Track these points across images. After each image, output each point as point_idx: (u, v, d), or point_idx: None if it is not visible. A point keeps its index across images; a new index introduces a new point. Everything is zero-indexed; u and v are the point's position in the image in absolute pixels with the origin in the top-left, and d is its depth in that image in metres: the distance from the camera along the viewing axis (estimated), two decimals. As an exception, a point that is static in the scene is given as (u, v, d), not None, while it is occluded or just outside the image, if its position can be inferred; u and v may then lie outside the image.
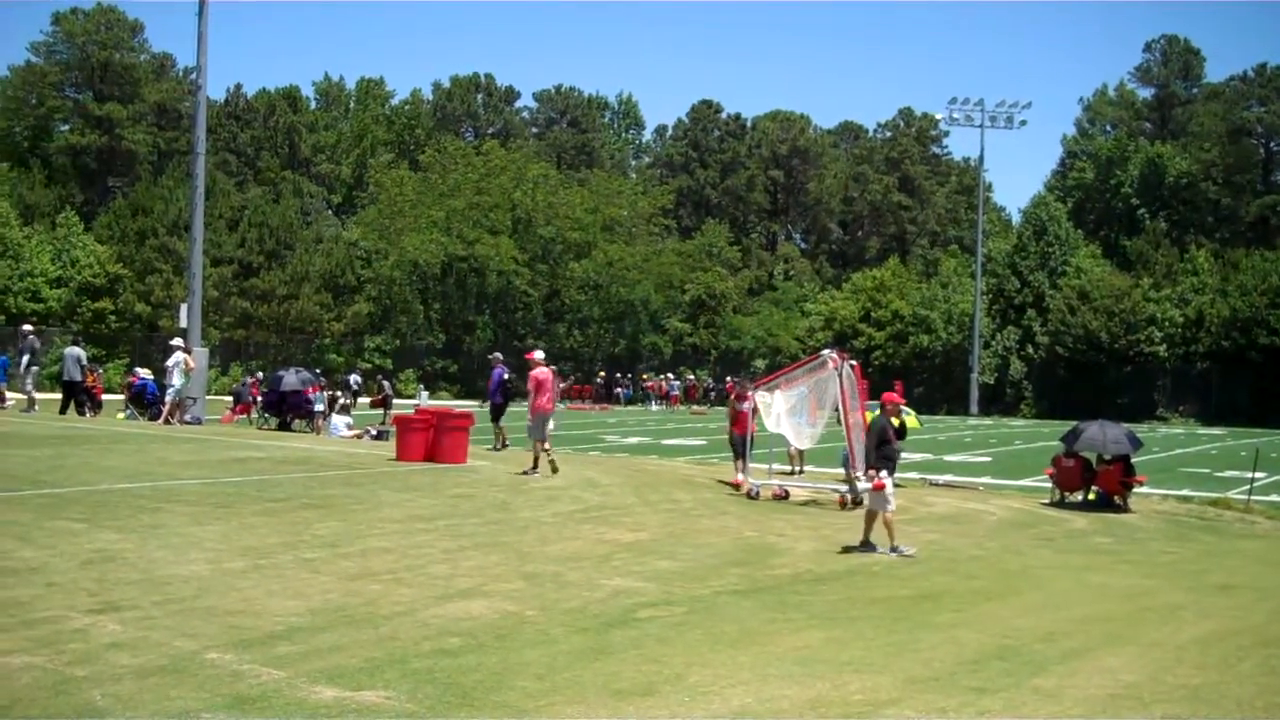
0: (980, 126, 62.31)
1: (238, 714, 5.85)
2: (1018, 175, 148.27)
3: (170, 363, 25.09)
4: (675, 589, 9.78)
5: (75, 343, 29.15)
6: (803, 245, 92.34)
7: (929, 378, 62.19)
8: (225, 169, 69.64)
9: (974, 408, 57.17)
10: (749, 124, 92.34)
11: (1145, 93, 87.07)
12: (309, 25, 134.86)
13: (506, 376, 22.82)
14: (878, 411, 13.59)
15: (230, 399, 33.15)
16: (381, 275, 59.83)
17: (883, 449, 12.63)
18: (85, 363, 27.79)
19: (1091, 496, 17.93)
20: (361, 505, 13.32)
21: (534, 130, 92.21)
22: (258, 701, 6.05)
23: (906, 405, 15.70)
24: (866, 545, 12.37)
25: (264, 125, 78.69)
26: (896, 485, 12.75)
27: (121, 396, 31.06)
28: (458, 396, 54.19)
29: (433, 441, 18.16)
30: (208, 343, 36.96)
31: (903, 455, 14.36)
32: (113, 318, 52.05)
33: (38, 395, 27.39)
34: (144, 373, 29.48)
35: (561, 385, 33.27)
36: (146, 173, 67.75)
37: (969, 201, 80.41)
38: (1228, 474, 24.13)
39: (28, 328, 29.46)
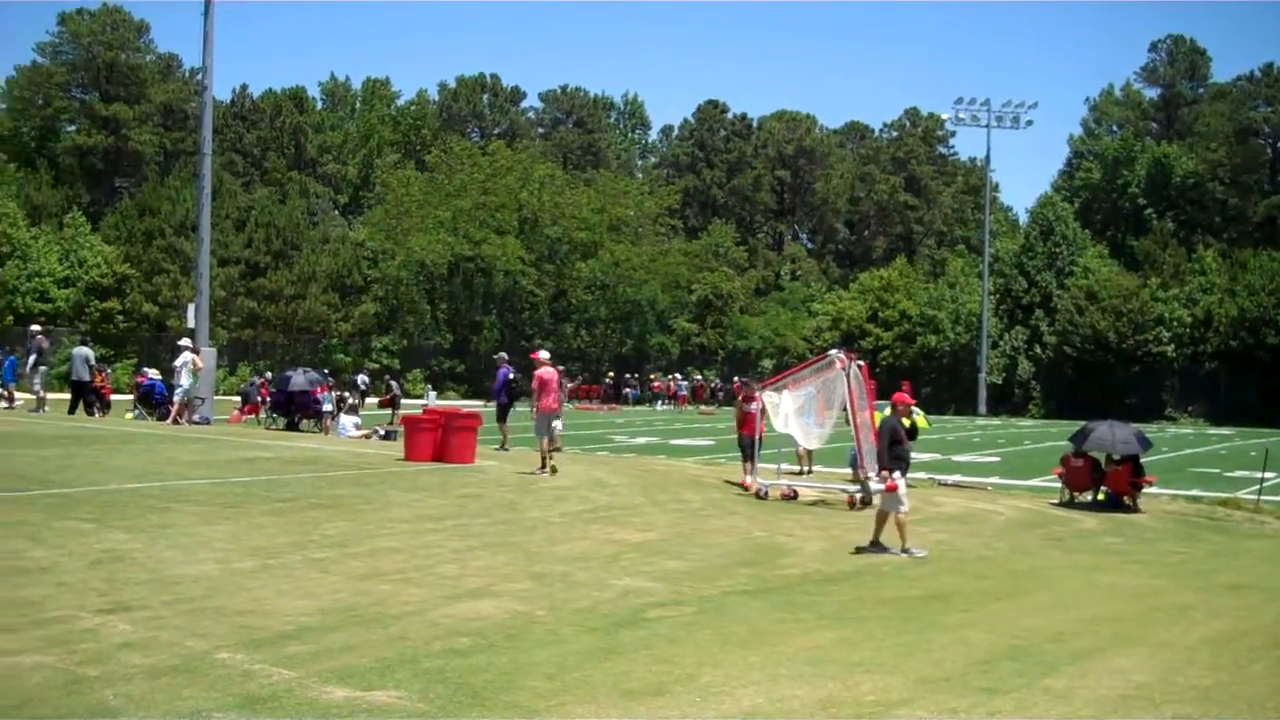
0: (986, 126, 62.29)
1: (249, 714, 5.86)
2: (1024, 175, 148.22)
3: (178, 363, 25.14)
4: (684, 589, 9.78)
5: (83, 343, 29.17)
6: (809, 245, 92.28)
7: (937, 378, 62.10)
8: (231, 169, 69.70)
9: (982, 408, 57.08)
10: (755, 124, 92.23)
11: (1151, 93, 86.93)
12: (314, 25, 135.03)
13: (512, 376, 22.86)
14: (887, 412, 13.57)
15: (238, 399, 33.19)
16: (388, 275, 59.83)
17: (894, 449, 12.59)
18: (93, 363, 27.84)
19: (1100, 497, 17.89)
20: (370, 505, 13.33)
21: (540, 130, 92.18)
22: (269, 701, 6.06)
23: (916, 405, 15.67)
24: (877, 545, 12.35)
25: (270, 126, 78.76)
26: (909, 486, 12.72)
27: (130, 396, 31.14)
28: (465, 396, 54.23)
29: (441, 441, 18.19)
30: (215, 343, 37.01)
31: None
32: (120, 318, 52.10)
33: (47, 395, 27.46)
34: (152, 373, 29.51)
35: (570, 385, 33.26)
36: (153, 173, 67.79)
37: (975, 201, 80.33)
38: (1237, 474, 24.04)
39: (36, 328, 29.56)
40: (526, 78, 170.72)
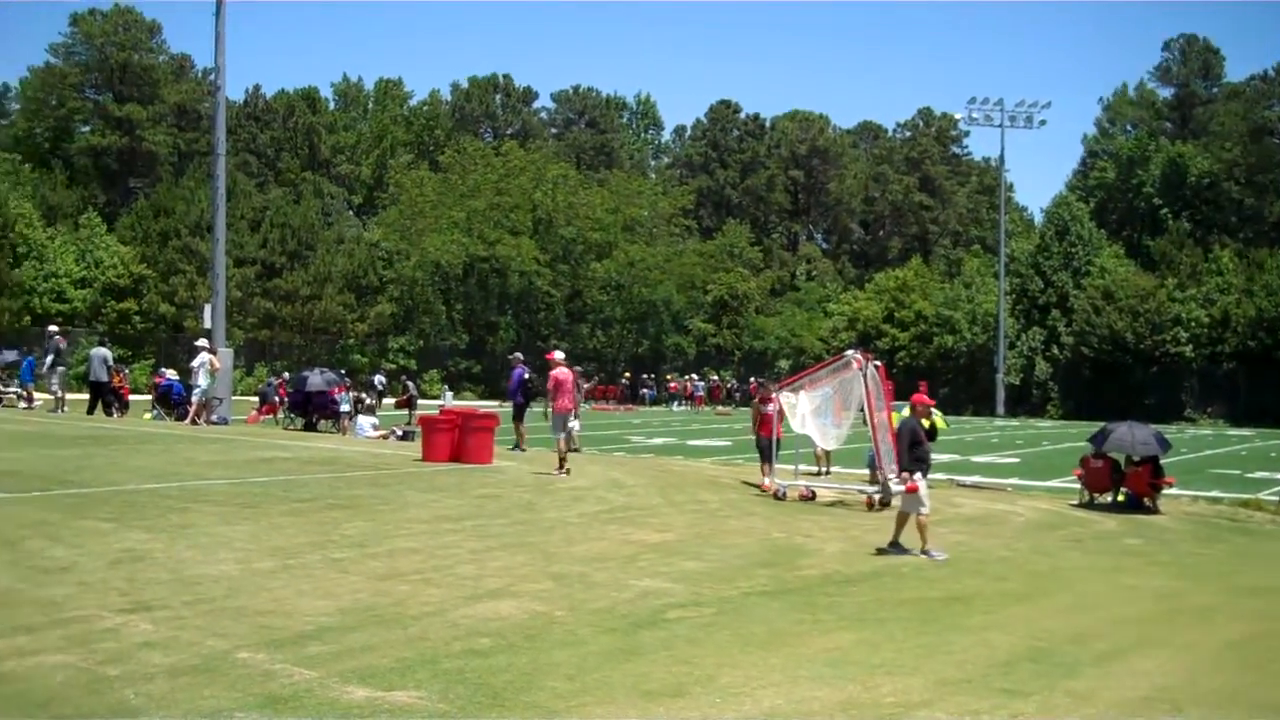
0: (1000, 126, 62.13)
1: (270, 713, 5.86)
2: (1039, 175, 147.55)
3: (196, 363, 25.22)
4: (703, 590, 9.75)
5: (102, 343, 29.32)
6: (824, 245, 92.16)
7: (954, 378, 61.92)
8: (245, 170, 69.89)
9: (1000, 408, 56.89)
10: (768, 124, 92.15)
11: (1165, 92, 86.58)
12: (327, 26, 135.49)
13: (527, 376, 22.87)
14: (905, 412, 13.51)
15: (256, 399, 33.30)
16: (403, 276, 59.96)
17: (915, 450, 12.53)
18: (111, 363, 27.97)
19: (1120, 498, 17.80)
20: (388, 505, 13.34)
21: (553, 131, 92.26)
22: (290, 701, 6.06)
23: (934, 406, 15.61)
24: (897, 546, 12.29)
25: (283, 126, 78.93)
26: (929, 487, 12.66)
27: (148, 397, 31.26)
28: (481, 397, 54.31)
29: (458, 442, 18.21)
30: (232, 343, 37.12)
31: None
32: (137, 318, 52.32)
33: (65, 395, 27.58)
34: (170, 373, 29.65)
35: (586, 386, 33.27)
36: (167, 174, 68.02)
37: (990, 201, 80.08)
38: (1258, 475, 23.92)
39: (53, 328, 29.70)
40: (538, 78, 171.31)
